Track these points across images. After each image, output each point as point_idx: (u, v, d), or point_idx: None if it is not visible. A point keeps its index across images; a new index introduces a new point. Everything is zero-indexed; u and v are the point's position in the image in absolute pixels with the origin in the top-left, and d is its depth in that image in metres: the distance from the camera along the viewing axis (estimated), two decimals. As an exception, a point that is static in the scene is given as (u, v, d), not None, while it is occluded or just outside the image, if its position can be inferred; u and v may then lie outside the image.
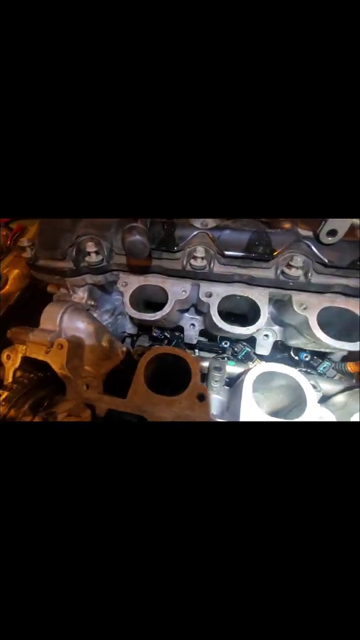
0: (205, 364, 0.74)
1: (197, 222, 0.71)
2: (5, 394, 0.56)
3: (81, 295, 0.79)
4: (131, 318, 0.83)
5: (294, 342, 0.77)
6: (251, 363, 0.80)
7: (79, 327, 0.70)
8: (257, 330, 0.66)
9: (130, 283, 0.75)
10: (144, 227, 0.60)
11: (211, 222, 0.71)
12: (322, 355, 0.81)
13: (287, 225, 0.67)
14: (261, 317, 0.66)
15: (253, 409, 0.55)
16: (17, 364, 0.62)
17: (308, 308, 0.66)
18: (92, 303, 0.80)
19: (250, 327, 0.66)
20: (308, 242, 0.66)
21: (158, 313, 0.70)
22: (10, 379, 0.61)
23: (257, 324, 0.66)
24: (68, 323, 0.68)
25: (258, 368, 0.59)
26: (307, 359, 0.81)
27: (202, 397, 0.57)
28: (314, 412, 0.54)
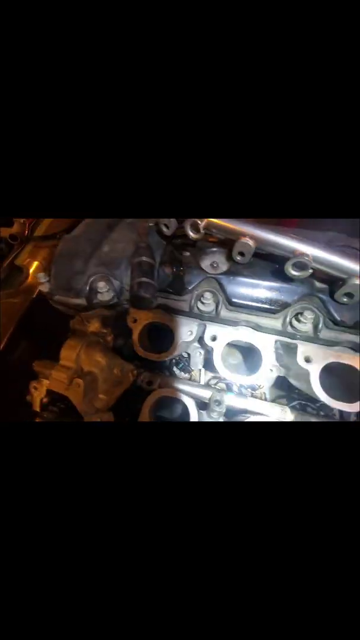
0: (207, 393, 0.81)
1: (207, 267, 0.69)
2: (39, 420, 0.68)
3: (96, 325, 0.84)
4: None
5: (296, 383, 0.80)
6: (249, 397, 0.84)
7: (94, 360, 0.77)
8: (257, 379, 0.69)
9: (139, 319, 0.78)
10: (153, 283, 0.61)
11: (222, 267, 0.68)
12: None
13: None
14: (262, 367, 0.68)
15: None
16: (43, 395, 0.73)
17: (312, 362, 0.67)
18: (105, 331, 0.86)
19: (250, 377, 0.69)
20: (322, 297, 0.63)
21: (164, 354, 0.75)
22: (38, 407, 0.73)
23: (257, 374, 0.68)
24: (84, 358, 0.76)
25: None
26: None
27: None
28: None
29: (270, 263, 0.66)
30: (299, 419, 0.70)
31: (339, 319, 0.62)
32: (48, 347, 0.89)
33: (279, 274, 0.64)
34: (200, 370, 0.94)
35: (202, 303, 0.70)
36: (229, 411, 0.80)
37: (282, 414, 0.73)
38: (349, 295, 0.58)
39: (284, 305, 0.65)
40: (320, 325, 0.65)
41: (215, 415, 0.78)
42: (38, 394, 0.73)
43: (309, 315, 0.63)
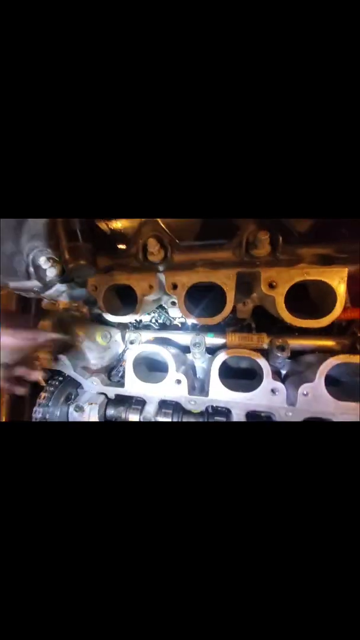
0: (188, 338, 0.84)
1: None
2: (44, 394, 0.80)
3: (64, 301, 0.85)
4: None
5: (270, 309, 0.77)
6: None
7: (71, 333, 0.81)
8: (223, 319, 0.68)
9: (100, 286, 0.76)
10: (87, 245, 0.55)
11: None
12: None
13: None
14: (227, 305, 0.66)
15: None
16: (41, 372, 0.82)
17: (277, 286, 0.62)
18: (76, 304, 0.87)
19: (215, 318, 0.68)
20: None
21: (130, 315, 0.75)
22: (43, 382, 0.84)
23: (221, 314, 0.67)
24: (61, 334, 0.80)
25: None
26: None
27: (179, 382, 0.72)
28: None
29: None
30: (275, 342, 0.71)
31: (297, 231, 0.53)
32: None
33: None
34: (179, 318, 0.94)
35: (150, 253, 0.64)
36: (209, 349, 0.84)
37: (259, 342, 0.74)
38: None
39: (235, 230, 0.57)
40: (278, 247, 0.58)
41: (198, 356, 0.82)
42: (37, 373, 0.82)
43: (263, 237, 0.55)
